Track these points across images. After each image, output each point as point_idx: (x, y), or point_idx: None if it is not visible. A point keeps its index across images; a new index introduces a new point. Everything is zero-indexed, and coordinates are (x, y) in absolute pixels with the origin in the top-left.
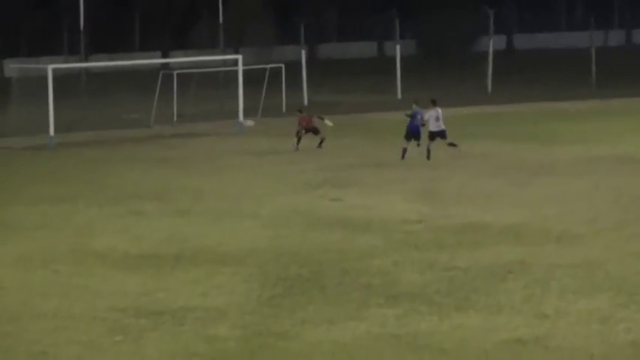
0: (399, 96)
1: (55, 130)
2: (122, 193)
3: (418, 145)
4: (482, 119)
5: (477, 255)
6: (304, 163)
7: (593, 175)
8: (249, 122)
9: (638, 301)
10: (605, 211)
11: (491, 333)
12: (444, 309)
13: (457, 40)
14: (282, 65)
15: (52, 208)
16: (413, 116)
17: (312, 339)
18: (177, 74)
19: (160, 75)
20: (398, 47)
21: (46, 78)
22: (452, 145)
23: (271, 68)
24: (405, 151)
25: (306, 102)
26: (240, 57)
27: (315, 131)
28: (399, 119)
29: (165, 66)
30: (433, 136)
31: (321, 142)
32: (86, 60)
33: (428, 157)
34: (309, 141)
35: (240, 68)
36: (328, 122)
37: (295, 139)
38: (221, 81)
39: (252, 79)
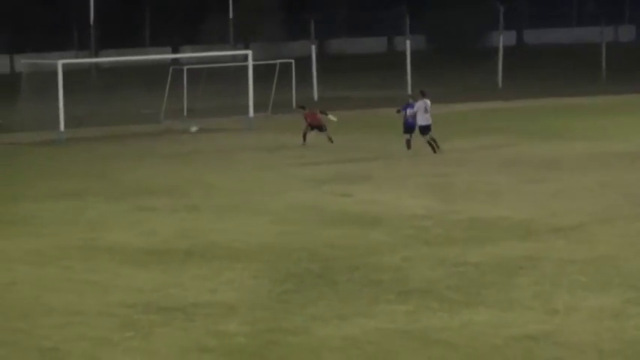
0: (409, 91)
1: (66, 126)
2: (132, 189)
3: (410, 136)
4: (493, 114)
5: (487, 251)
6: (314, 158)
7: (603, 170)
8: (194, 128)
9: None
10: (616, 206)
11: (501, 329)
12: (455, 305)
13: (467, 36)
14: (292, 60)
15: (63, 203)
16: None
17: (322, 335)
18: (188, 69)
19: (170, 70)
20: (408, 42)
21: (56, 73)
22: (434, 141)
23: (281, 63)
24: (408, 142)
25: (315, 97)
26: (250, 52)
27: (321, 127)
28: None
29: (175, 61)
30: (423, 130)
31: (330, 137)
32: (96, 55)
33: (434, 151)
34: (318, 137)
35: (250, 63)
36: (332, 117)
37: (302, 135)
38: (231, 76)
39: (262, 74)
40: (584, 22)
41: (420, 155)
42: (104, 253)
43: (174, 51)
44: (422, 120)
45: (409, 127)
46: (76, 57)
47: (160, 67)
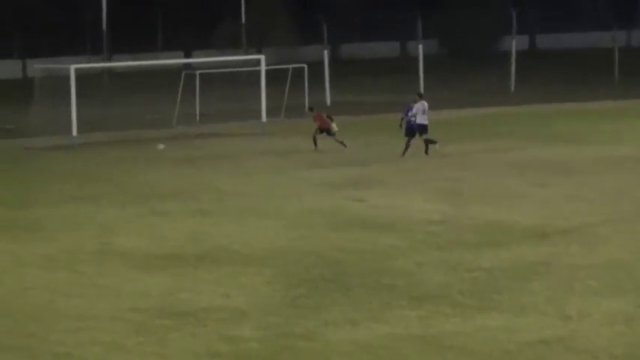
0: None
1: (78, 130)
2: (145, 193)
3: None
4: (505, 119)
5: (500, 255)
6: (326, 163)
7: (617, 175)
8: (161, 146)
9: None
10: (629, 211)
11: (514, 334)
12: (468, 310)
13: (480, 40)
14: (305, 65)
15: (75, 207)
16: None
17: (335, 340)
18: (200, 74)
19: (183, 75)
20: (420, 47)
21: (68, 78)
22: (429, 141)
23: (294, 68)
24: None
25: (328, 102)
26: (262, 57)
27: (329, 131)
28: None
29: (187, 66)
30: (421, 129)
31: (342, 142)
32: (109, 60)
33: (426, 152)
34: (330, 142)
35: (263, 68)
36: (334, 126)
37: (312, 140)
38: (244, 81)
39: (275, 78)
40: (597, 27)
41: (432, 160)
42: (116, 257)
43: (187, 55)
44: (420, 120)
45: (411, 130)
46: (89, 62)
47: (173, 72)
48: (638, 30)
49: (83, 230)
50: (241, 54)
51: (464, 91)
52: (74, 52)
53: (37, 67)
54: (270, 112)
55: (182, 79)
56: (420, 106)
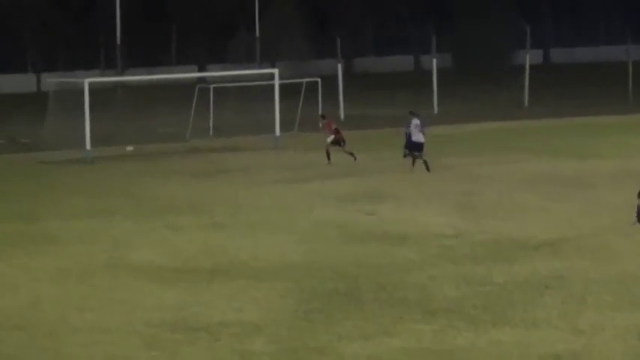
0: (436, 110)
1: (92, 144)
2: (159, 207)
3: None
4: (519, 133)
5: (513, 270)
6: (339, 176)
7: (630, 188)
8: (129, 148)
9: None
10: None
11: (528, 348)
12: (481, 324)
13: (494, 54)
14: (319, 79)
15: (89, 221)
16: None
17: (348, 354)
18: (214, 88)
19: (197, 89)
20: (434, 61)
21: (82, 92)
22: (424, 163)
23: (308, 82)
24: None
25: (342, 116)
26: (276, 71)
27: (339, 142)
28: (434, 133)
29: (201, 80)
30: (414, 146)
31: (352, 154)
32: (123, 74)
33: (411, 166)
34: (344, 155)
35: (277, 82)
36: (329, 139)
37: (325, 154)
38: (257, 94)
39: (289, 92)
40: (611, 41)
41: (445, 173)
42: (130, 271)
43: (201, 69)
44: (415, 137)
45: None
46: (103, 75)
47: (186, 86)
48: None
49: (97, 244)
50: (255, 68)
51: (477, 105)
52: (88, 66)
53: (52, 81)
54: (283, 126)
55: (196, 92)
56: (414, 122)
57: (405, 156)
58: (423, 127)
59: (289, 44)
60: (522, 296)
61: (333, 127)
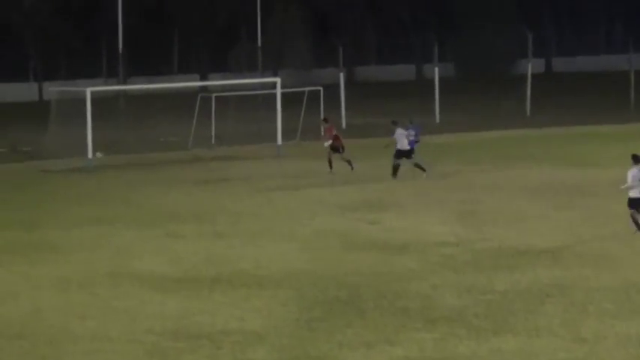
0: (438, 119)
1: (94, 153)
2: (160, 215)
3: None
4: (521, 142)
5: (515, 278)
6: (341, 185)
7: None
8: (99, 154)
9: None
10: None
11: (529, 357)
12: (482, 333)
13: (496, 63)
14: (321, 88)
15: (91, 229)
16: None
17: None
18: (216, 97)
19: (199, 98)
20: (436, 70)
21: (84, 100)
22: (396, 169)
23: (310, 91)
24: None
25: (344, 124)
26: (278, 80)
27: (338, 149)
28: (436, 142)
29: (203, 88)
30: (398, 153)
31: (350, 163)
32: (124, 82)
33: (393, 175)
34: (344, 164)
35: (279, 91)
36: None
37: (327, 162)
38: (259, 103)
39: (291, 101)
40: (613, 50)
41: (447, 181)
42: (131, 279)
43: (203, 78)
44: (400, 145)
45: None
46: (105, 84)
47: (188, 95)
48: None
49: (98, 252)
50: (257, 76)
51: (479, 113)
52: (90, 74)
53: (53, 89)
54: (285, 135)
55: (198, 101)
56: (399, 131)
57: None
58: (417, 134)
59: (291, 53)
60: (524, 304)
61: (334, 132)
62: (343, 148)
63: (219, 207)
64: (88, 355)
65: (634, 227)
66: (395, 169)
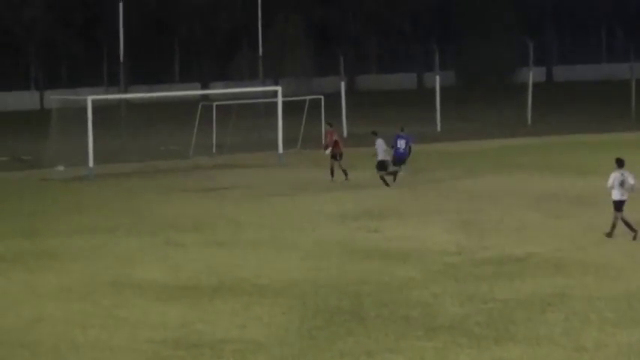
0: (439, 128)
1: (95, 161)
2: (161, 224)
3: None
4: (522, 150)
5: (516, 287)
6: (342, 194)
7: (633, 207)
8: (60, 167)
9: None
10: None
11: None
12: (483, 341)
13: (497, 72)
14: (322, 96)
15: (91, 238)
16: (395, 144)
17: None
18: (217, 105)
19: (200, 106)
20: (437, 79)
21: (85, 109)
22: (383, 178)
23: (311, 99)
24: (394, 173)
25: (345, 133)
26: (279, 88)
27: (335, 156)
28: (437, 150)
29: (204, 97)
30: (382, 165)
31: (345, 173)
32: (126, 91)
33: (387, 184)
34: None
35: (280, 99)
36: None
37: (329, 170)
38: (261, 112)
39: (292, 110)
40: (614, 59)
41: (448, 190)
42: (132, 288)
43: (204, 87)
44: (381, 156)
45: (398, 159)
46: (106, 93)
47: (190, 103)
48: None
49: (99, 261)
50: (258, 85)
51: (480, 122)
52: (91, 83)
53: (55, 98)
54: (286, 144)
55: (199, 110)
56: (377, 142)
57: (394, 172)
58: (408, 142)
59: (292, 62)
60: (525, 313)
61: (334, 138)
62: (341, 155)
63: (220, 216)
64: None
65: (631, 232)
66: (393, 175)
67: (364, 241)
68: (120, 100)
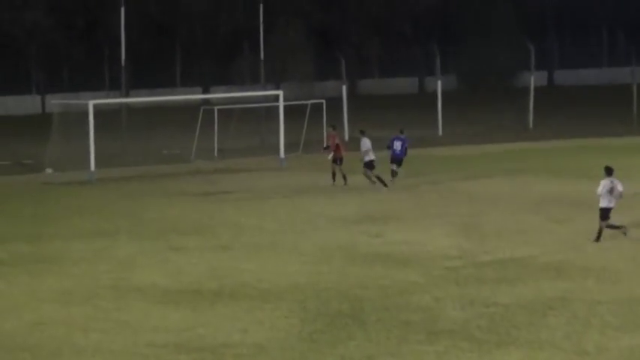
0: (440, 132)
1: (96, 165)
2: (162, 228)
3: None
4: (524, 154)
5: (517, 291)
6: (344, 198)
7: (634, 211)
8: (49, 170)
9: None
10: None
11: None
12: (485, 345)
13: (498, 76)
14: (323, 101)
15: (93, 242)
16: (391, 145)
17: None
18: (218, 109)
19: (201, 110)
20: (439, 83)
21: (87, 113)
22: (368, 178)
23: (312, 103)
24: (392, 172)
25: (347, 137)
26: (281, 92)
27: (336, 160)
28: (439, 154)
29: (206, 101)
30: (371, 165)
31: (344, 178)
32: (127, 95)
33: (379, 183)
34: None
35: (282, 104)
36: (329, 156)
37: (331, 175)
38: (262, 116)
39: (293, 114)
40: (615, 63)
41: (449, 194)
42: (134, 292)
43: (205, 91)
44: (367, 157)
45: (395, 159)
46: (107, 97)
47: (191, 107)
48: None
49: (100, 265)
50: (260, 89)
51: (482, 126)
52: (93, 87)
53: (56, 102)
54: (288, 148)
55: (200, 114)
56: (366, 141)
57: (392, 174)
58: (404, 145)
59: (294, 66)
60: (526, 317)
61: (336, 141)
62: (341, 160)
63: (221, 220)
64: None
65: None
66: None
67: (365, 245)
68: (121, 104)
